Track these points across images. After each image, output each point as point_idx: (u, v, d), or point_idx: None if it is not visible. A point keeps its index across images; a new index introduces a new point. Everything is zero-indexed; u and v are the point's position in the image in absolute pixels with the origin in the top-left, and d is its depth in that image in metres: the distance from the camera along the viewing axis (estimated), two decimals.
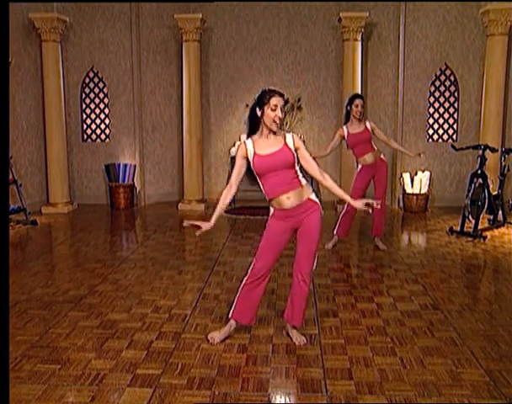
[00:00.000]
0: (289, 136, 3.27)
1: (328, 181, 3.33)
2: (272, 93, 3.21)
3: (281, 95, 3.23)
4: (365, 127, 5.64)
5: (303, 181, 3.29)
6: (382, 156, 5.82)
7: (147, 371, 3.09)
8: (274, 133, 3.25)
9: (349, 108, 5.64)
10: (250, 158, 3.24)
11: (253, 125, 3.28)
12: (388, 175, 6.11)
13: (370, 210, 3.39)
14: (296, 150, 3.25)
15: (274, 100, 3.17)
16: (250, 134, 3.31)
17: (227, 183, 3.42)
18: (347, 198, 3.42)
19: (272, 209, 3.36)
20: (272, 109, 3.17)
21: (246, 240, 6.51)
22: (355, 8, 8.36)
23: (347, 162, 8.07)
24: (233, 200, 9.10)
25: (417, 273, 5.07)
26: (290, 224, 3.32)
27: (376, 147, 5.75)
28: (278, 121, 3.18)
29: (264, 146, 3.24)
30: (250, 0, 8.88)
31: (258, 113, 3.22)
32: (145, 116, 8.95)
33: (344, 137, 5.69)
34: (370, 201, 3.29)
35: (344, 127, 5.69)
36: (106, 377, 3.02)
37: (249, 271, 3.42)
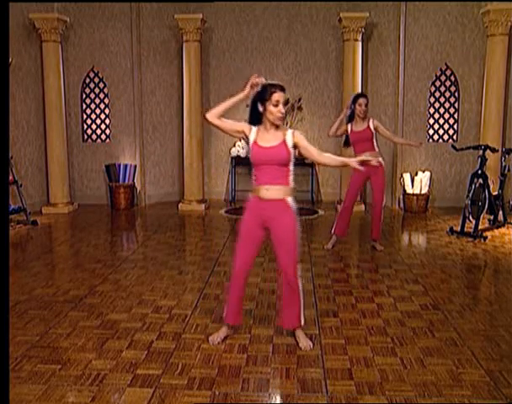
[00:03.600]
0: (289, 133, 3.30)
1: (326, 158, 3.40)
2: (273, 88, 3.21)
3: (282, 89, 3.25)
4: (368, 126, 5.75)
5: (291, 183, 3.33)
6: (381, 159, 5.73)
7: (148, 371, 3.09)
8: (277, 127, 3.28)
9: (353, 107, 5.77)
10: (249, 143, 3.31)
11: (255, 119, 3.31)
12: (386, 179, 6.10)
13: (362, 167, 3.32)
14: (295, 145, 3.28)
15: (276, 96, 3.19)
16: (250, 124, 3.34)
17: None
18: (347, 160, 3.40)
19: (249, 198, 3.42)
20: (274, 105, 3.19)
21: None
22: (356, 9, 8.36)
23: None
24: (233, 200, 9.11)
25: (417, 273, 5.07)
26: (260, 218, 3.35)
27: (377, 149, 5.81)
28: (281, 116, 3.22)
29: (264, 138, 3.29)
30: (250, 0, 8.90)
31: (260, 108, 3.23)
32: (145, 116, 8.95)
33: (347, 133, 5.87)
34: (365, 158, 3.31)
35: (349, 125, 5.85)
36: (106, 377, 3.02)
37: (232, 272, 3.48)
